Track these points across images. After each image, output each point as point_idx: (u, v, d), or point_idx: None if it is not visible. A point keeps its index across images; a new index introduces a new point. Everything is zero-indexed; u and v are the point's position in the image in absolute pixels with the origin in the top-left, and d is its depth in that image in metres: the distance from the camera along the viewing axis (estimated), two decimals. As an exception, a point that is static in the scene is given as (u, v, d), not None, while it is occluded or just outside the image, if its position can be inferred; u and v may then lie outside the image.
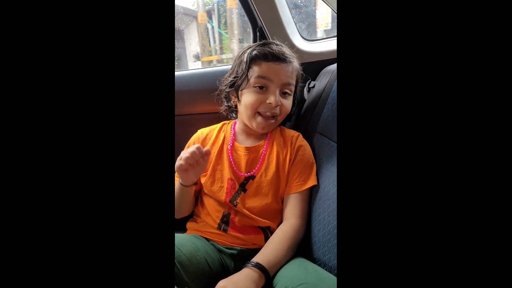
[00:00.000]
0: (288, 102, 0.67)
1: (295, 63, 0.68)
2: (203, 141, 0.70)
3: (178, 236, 0.62)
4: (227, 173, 0.66)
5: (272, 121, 0.66)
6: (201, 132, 0.72)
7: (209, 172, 0.67)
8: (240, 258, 0.62)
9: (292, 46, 0.92)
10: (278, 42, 0.69)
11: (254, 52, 0.65)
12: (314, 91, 0.85)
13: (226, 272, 0.62)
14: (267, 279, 0.52)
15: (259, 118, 0.65)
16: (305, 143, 0.69)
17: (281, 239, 0.58)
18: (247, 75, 0.65)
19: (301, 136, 0.70)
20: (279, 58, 0.64)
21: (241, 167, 0.66)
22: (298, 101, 0.77)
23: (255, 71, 0.64)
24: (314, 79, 0.90)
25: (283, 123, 0.75)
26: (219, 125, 0.73)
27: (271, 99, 0.62)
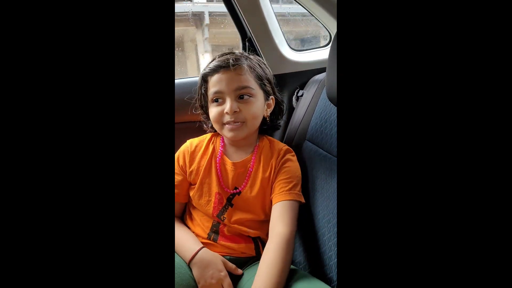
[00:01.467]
0: (250, 106, 0.63)
1: (248, 64, 0.65)
2: (192, 153, 0.68)
3: None
4: (214, 187, 0.65)
5: (239, 124, 0.63)
6: (190, 143, 0.70)
7: (197, 185, 0.66)
8: None
9: (280, 56, 0.94)
10: (228, 52, 0.68)
11: (203, 71, 0.67)
12: (303, 100, 0.86)
13: None
14: None
15: (225, 127, 0.64)
16: (292, 157, 0.67)
17: (273, 259, 0.53)
18: (203, 94, 0.67)
19: (291, 151, 0.68)
20: (222, 66, 0.63)
21: (228, 182, 0.65)
22: (279, 102, 0.73)
23: (209, 88, 0.65)
24: (302, 88, 0.91)
25: (270, 133, 0.74)
26: (209, 136, 0.72)
27: (226, 108, 0.62)
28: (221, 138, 0.70)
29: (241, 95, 0.63)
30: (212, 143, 0.69)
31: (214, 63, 0.65)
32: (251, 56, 0.68)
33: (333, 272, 0.52)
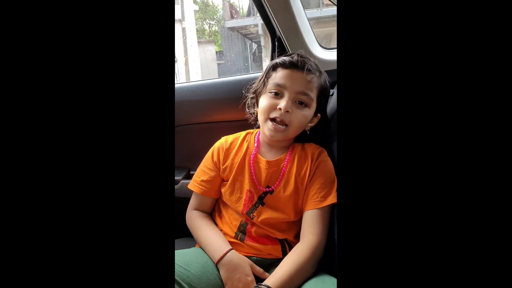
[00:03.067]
0: (301, 113, 0.63)
1: (317, 76, 0.65)
2: (227, 150, 0.69)
3: (186, 254, 0.61)
4: (246, 185, 0.65)
5: (282, 127, 0.62)
6: (225, 140, 0.71)
7: (229, 181, 0.67)
8: None
9: (310, 55, 0.93)
10: (306, 55, 0.68)
11: (276, 60, 0.67)
12: (333, 100, 0.84)
13: None
14: None
15: (269, 123, 0.63)
16: (326, 159, 0.66)
17: (297, 260, 0.56)
18: (264, 81, 0.67)
19: (324, 152, 0.68)
20: (297, 65, 0.63)
21: (261, 180, 0.66)
22: (326, 120, 0.73)
23: (272, 77, 0.65)
24: (333, 87, 0.89)
25: (306, 141, 0.73)
26: (243, 133, 0.73)
27: (282, 104, 0.61)
28: (255, 137, 0.70)
29: (300, 101, 0.63)
30: (246, 141, 0.70)
31: (290, 58, 0.65)
32: (323, 71, 0.69)
33: None
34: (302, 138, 0.70)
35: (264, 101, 0.65)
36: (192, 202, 0.72)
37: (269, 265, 0.62)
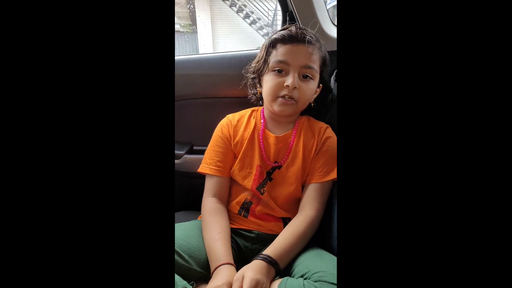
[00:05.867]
0: (307, 88, 0.63)
1: (318, 47, 0.64)
2: (235, 127, 0.69)
3: (187, 227, 0.63)
4: (256, 160, 0.66)
5: (292, 101, 0.62)
6: (232, 117, 0.71)
7: (239, 157, 0.67)
8: (258, 241, 0.65)
9: (321, 32, 0.89)
10: (302, 26, 0.66)
11: (274, 36, 0.64)
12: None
13: (239, 253, 0.64)
14: (277, 271, 0.53)
15: (279, 100, 0.62)
16: (333, 135, 0.68)
17: (295, 233, 0.58)
18: (266, 60, 0.65)
19: (330, 128, 0.69)
20: (297, 39, 0.61)
21: (270, 155, 0.66)
22: (328, 90, 0.73)
23: (274, 55, 0.63)
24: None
25: (310, 115, 0.73)
26: (249, 111, 0.72)
27: (288, 81, 0.60)
28: (261, 113, 0.70)
29: (305, 74, 0.62)
30: (253, 118, 0.70)
31: (288, 32, 0.63)
32: (321, 41, 0.67)
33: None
34: (307, 110, 0.71)
35: (269, 80, 0.64)
36: (208, 187, 0.67)
37: (269, 240, 0.64)
